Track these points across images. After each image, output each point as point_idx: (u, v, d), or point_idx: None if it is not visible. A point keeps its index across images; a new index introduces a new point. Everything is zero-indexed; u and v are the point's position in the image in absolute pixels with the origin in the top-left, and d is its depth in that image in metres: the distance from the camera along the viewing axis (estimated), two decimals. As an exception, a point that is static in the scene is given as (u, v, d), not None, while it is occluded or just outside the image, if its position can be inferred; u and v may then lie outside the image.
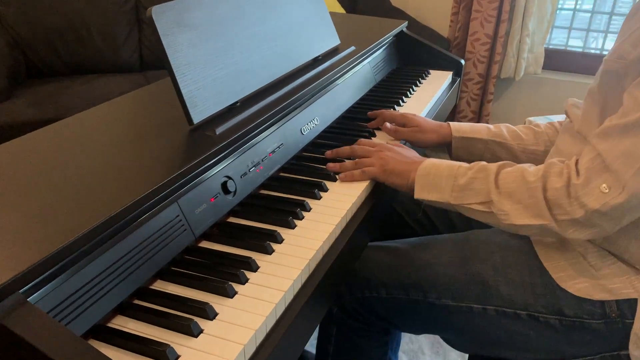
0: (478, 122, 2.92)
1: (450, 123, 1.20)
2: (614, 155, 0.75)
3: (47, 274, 0.58)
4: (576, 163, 0.80)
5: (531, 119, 1.19)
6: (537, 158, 1.14)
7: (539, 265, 0.91)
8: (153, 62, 2.69)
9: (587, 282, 0.87)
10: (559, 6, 2.80)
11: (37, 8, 2.44)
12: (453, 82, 1.69)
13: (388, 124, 1.21)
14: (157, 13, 0.84)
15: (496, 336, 0.94)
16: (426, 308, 0.98)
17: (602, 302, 0.86)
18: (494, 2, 2.66)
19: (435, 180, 0.93)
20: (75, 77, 2.50)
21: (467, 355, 1.72)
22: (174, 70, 0.85)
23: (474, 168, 0.90)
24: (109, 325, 0.65)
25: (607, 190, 0.74)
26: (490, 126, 1.18)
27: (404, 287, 0.99)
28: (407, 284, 0.98)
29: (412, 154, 1.03)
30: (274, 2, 1.14)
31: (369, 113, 1.26)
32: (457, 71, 1.71)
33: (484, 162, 0.91)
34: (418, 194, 0.95)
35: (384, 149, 1.03)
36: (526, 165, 0.86)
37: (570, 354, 0.90)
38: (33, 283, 0.56)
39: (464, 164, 0.92)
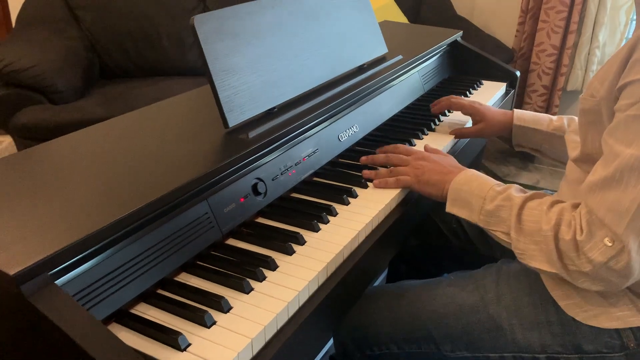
0: (546, 111, 2.84)
1: (515, 110, 1.23)
2: (603, 212, 0.72)
3: (75, 258, 0.63)
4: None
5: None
6: None
7: (551, 300, 0.88)
8: (217, 66, 2.80)
9: (595, 310, 0.84)
10: (634, 16, 2.67)
11: (112, 13, 2.61)
12: (507, 93, 1.66)
13: (454, 131, 1.28)
14: (199, 22, 0.90)
15: None
16: (441, 359, 0.96)
17: (618, 332, 0.82)
18: (562, 12, 2.58)
19: (466, 197, 0.91)
20: (144, 78, 2.64)
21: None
22: (213, 76, 0.90)
23: (503, 194, 0.87)
24: (131, 311, 0.70)
25: (610, 244, 0.71)
26: (554, 118, 1.19)
27: (415, 341, 0.96)
28: (418, 337, 0.96)
29: (449, 162, 1.02)
30: (318, 11, 1.17)
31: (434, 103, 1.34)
32: (512, 82, 1.68)
33: (512, 190, 0.87)
34: (449, 208, 0.94)
35: (420, 158, 1.03)
36: (547, 205, 0.81)
37: None
38: (62, 267, 0.62)
39: (497, 186, 0.89)
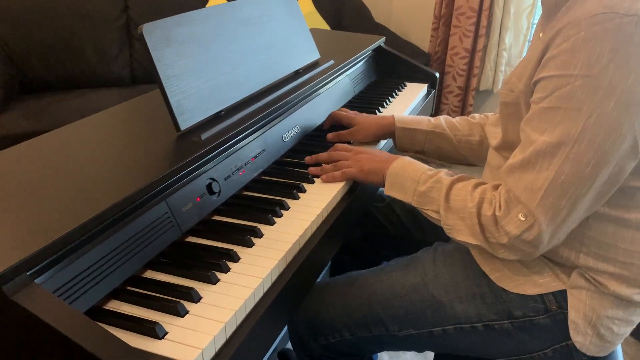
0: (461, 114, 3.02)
1: (394, 115, 1.30)
2: (520, 190, 0.83)
3: (47, 260, 0.65)
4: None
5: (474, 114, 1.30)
6: (472, 147, 1.25)
7: (482, 274, 0.99)
8: (144, 76, 2.78)
9: (521, 279, 0.95)
10: (535, 21, 2.92)
11: (30, 24, 2.52)
12: (428, 93, 1.79)
13: (329, 135, 1.29)
14: (148, 30, 0.93)
15: (459, 349, 1.02)
16: (391, 339, 1.04)
17: (541, 297, 0.93)
18: (471, 18, 2.78)
19: (402, 182, 1.01)
20: (68, 91, 2.57)
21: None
22: (162, 81, 0.94)
23: (434, 177, 0.97)
24: (105, 307, 0.73)
25: (523, 219, 0.82)
26: (431, 118, 1.29)
27: (365, 325, 1.04)
28: (368, 321, 1.04)
29: (385, 153, 1.11)
30: (256, 19, 1.23)
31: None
32: (432, 83, 1.81)
33: (442, 173, 0.98)
34: (387, 191, 1.03)
35: (360, 152, 1.12)
36: (472, 186, 0.92)
37: (526, 350, 0.97)
38: (36, 268, 0.64)
39: (429, 170, 0.99)
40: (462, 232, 0.90)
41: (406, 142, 1.29)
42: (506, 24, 2.80)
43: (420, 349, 1.07)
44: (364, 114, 1.34)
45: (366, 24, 3.11)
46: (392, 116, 1.30)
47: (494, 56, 2.88)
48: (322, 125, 1.37)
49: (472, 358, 1.04)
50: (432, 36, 3.01)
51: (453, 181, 0.95)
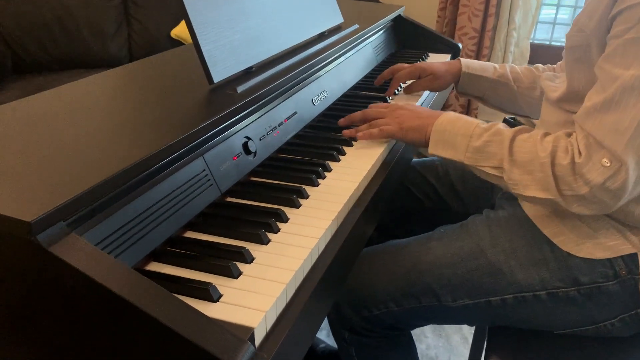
0: (467, 114, 2.95)
1: (461, 59, 1.27)
2: (603, 133, 0.75)
3: (85, 210, 0.56)
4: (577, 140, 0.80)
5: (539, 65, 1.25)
6: (532, 100, 1.20)
7: (544, 238, 0.90)
8: (141, 57, 2.66)
9: (588, 242, 0.87)
10: (543, 1, 2.86)
11: (24, 2, 2.40)
12: (451, 65, 1.70)
13: (406, 87, 1.30)
14: (177, -30, 0.84)
15: (518, 320, 0.94)
16: (443, 311, 0.95)
17: (610, 262, 0.85)
18: (481, -4, 2.70)
19: (451, 138, 0.91)
20: (63, 71, 2.46)
21: (469, 337, 1.72)
22: (195, 28, 0.85)
23: (490, 130, 0.88)
24: (146, 269, 0.64)
25: (608, 164, 0.74)
26: (497, 66, 1.24)
27: (414, 295, 0.95)
28: (417, 291, 0.95)
29: (426, 109, 1.02)
30: (283, -27, 1.14)
31: (379, 78, 1.32)
32: (455, 54, 1.73)
33: (500, 125, 0.89)
34: (432, 149, 0.93)
35: (398, 108, 1.03)
36: (540, 136, 0.84)
37: (592, 320, 0.90)
38: (73, 217, 0.55)
39: (481, 124, 0.91)
40: (529, 187, 0.82)
41: (468, 87, 1.27)
42: (516, 2, 2.72)
43: (473, 322, 0.98)
44: (429, 62, 1.30)
45: (371, 2, 3.03)
46: (459, 60, 1.27)
47: (504, 36, 2.80)
48: (348, 92, 1.28)
49: (528, 331, 0.96)
50: (439, 16, 2.93)
51: (516, 132, 0.86)
